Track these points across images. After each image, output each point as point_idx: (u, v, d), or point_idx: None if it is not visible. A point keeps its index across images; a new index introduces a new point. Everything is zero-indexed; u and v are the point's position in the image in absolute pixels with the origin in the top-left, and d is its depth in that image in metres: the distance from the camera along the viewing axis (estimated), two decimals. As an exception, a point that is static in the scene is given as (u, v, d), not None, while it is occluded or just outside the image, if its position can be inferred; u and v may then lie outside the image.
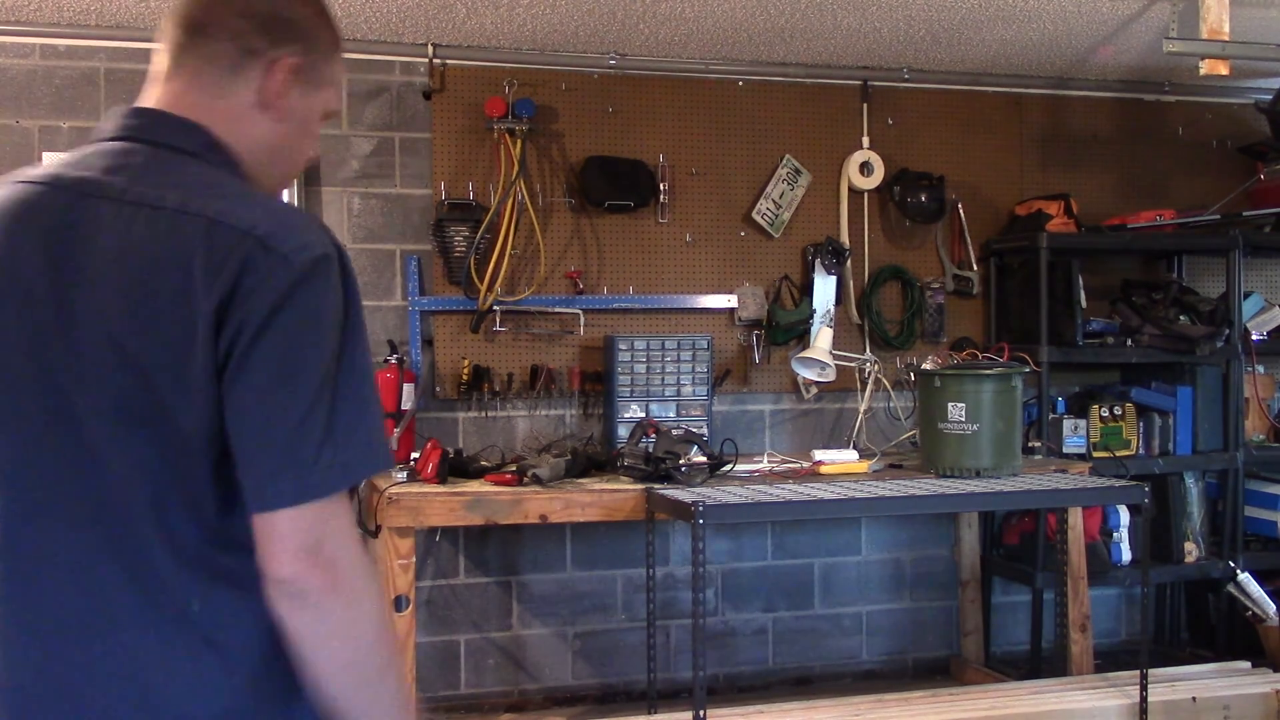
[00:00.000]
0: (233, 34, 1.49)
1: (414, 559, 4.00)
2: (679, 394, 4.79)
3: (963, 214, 5.35)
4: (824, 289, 5.10)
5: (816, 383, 5.11)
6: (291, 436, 1.32)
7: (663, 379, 4.77)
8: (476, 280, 4.70)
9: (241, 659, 1.38)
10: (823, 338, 5.02)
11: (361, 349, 1.40)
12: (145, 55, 5.20)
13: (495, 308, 4.76)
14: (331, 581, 1.32)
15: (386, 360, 4.54)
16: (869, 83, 5.25)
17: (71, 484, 1.38)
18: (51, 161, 1.53)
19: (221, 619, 1.37)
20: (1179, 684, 4.37)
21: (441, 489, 4.03)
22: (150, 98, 1.53)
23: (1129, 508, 5.08)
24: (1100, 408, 5.12)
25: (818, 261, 5.09)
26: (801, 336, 5.09)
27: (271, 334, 1.32)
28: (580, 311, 4.91)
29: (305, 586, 1.32)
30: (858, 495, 3.97)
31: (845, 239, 5.19)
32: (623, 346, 4.75)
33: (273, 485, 1.32)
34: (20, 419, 1.41)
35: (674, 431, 4.35)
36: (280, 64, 1.51)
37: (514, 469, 4.29)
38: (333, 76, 1.60)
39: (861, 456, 4.65)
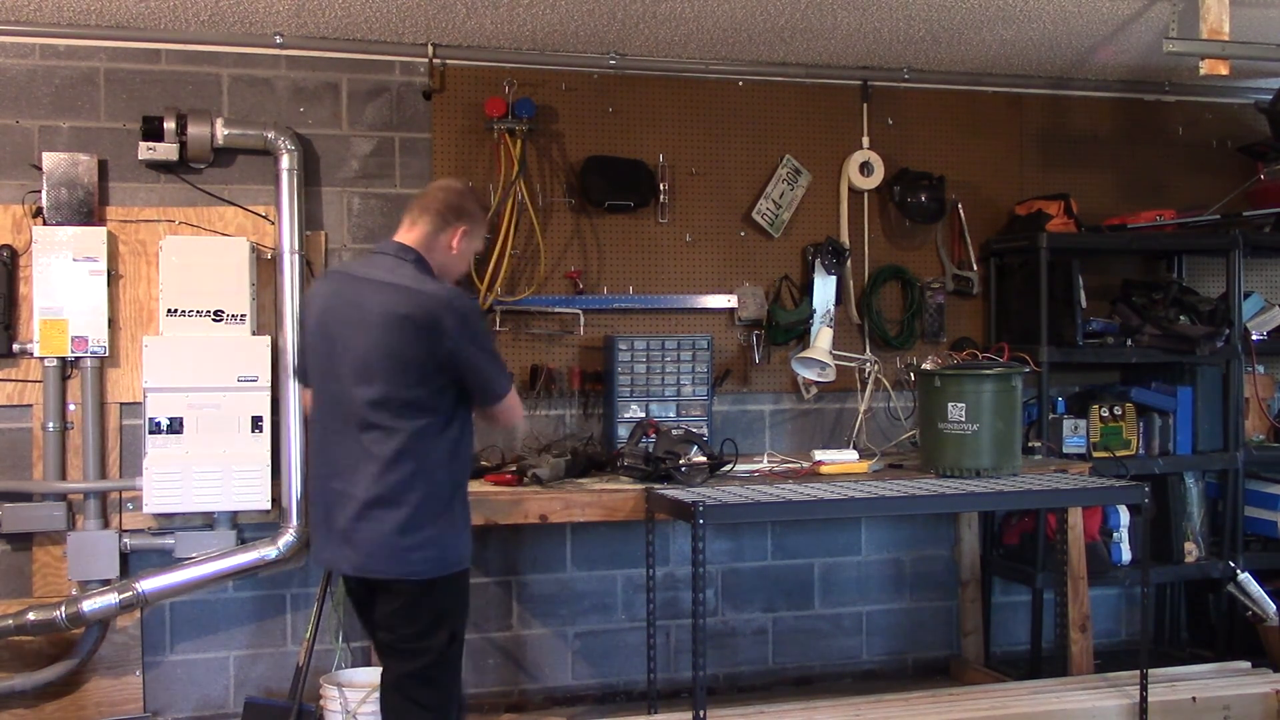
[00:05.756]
0: (438, 215, 3.36)
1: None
2: (679, 394, 4.79)
3: (963, 214, 5.35)
4: (824, 289, 5.10)
5: (816, 383, 5.11)
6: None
7: (663, 379, 4.77)
8: (476, 280, 4.69)
9: None
10: (823, 338, 5.02)
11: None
12: (145, 55, 5.15)
13: (495, 307, 4.76)
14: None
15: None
16: (869, 83, 5.25)
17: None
18: (347, 262, 4.27)
19: None
20: (1179, 684, 4.37)
21: (441, 489, 4.05)
22: (402, 238, 3.35)
23: (1129, 508, 5.08)
24: (1100, 408, 5.13)
25: (818, 261, 5.09)
26: (801, 336, 5.09)
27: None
28: (580, 311, 4.91)
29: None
30: (858, 495, 3.97)
31: (845, 239, 5.19)
32: (623, 346, 4.75)
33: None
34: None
35: (674, 431, 4.35)
36: (458, 230, 3.37)
37: (514, 469, 4.30)
38: (481, 234, 3.53)
39: (861, 456, 4.66)
